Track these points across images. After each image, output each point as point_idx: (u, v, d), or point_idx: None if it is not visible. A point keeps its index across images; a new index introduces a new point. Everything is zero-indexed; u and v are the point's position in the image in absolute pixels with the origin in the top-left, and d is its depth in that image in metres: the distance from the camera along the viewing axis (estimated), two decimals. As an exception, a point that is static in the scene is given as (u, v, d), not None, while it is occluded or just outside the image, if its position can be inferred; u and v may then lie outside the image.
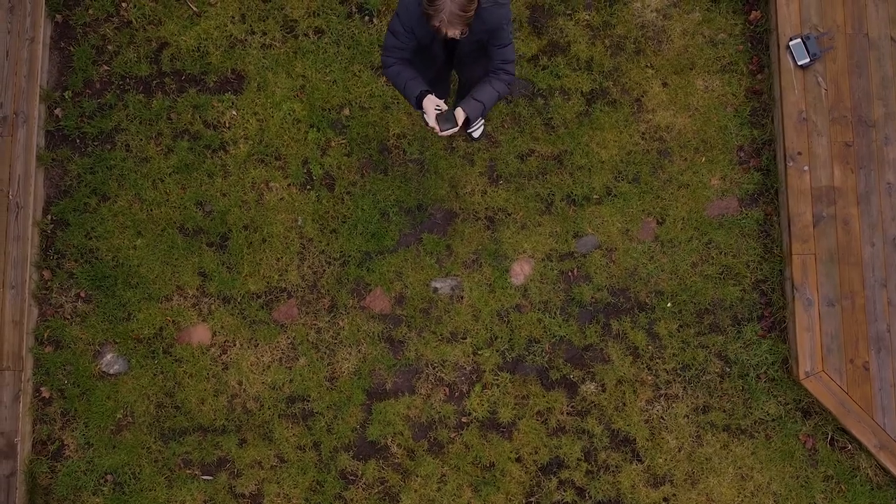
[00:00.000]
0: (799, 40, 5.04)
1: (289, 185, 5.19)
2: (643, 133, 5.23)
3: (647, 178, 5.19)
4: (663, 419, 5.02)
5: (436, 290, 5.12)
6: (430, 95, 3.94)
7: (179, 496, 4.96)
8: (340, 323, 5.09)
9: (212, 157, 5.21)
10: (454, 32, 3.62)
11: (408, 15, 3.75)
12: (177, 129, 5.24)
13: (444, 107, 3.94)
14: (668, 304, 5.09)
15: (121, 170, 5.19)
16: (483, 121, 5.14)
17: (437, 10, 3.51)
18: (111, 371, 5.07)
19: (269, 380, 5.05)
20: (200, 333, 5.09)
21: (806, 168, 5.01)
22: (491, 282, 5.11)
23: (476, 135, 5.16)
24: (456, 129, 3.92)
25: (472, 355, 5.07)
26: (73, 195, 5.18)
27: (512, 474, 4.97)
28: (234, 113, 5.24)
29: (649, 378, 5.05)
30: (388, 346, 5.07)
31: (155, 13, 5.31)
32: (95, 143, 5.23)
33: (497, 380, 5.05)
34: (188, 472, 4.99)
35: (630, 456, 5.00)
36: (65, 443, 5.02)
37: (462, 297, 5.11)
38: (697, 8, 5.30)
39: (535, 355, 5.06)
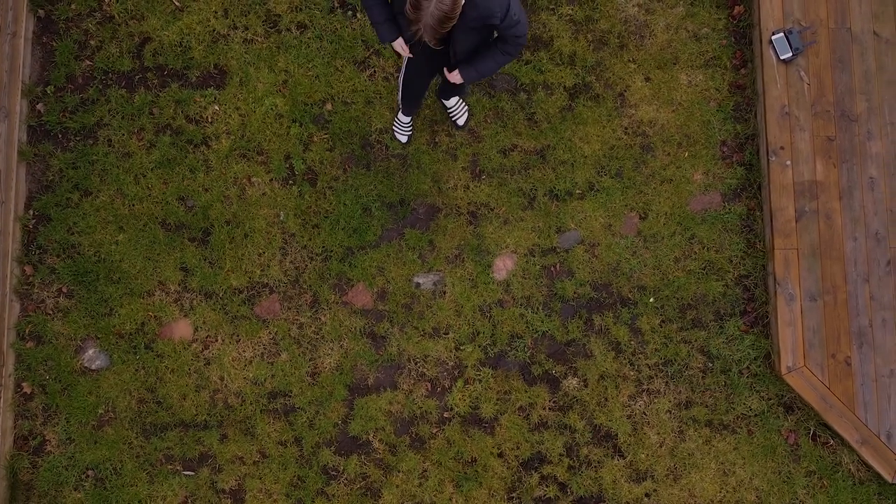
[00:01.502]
0: (781, 34, 5.03)
1: (271, 179, 5.18)
2: (626, 128, 5.22)
3: (629, 172, 5.18)
4: (645, 414, 5.01)
5: (418, 285, 5.11)
6: (397, 41, 4.06)
7: (161, 491, 4.96)
8: (322, 318, 5.08)
9: (194, 152, 5.20)
10: (428, 40, 3.62)
11: None
12: (159, 123, 5.23)
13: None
14: (651, 300, 5.08)
15: (103, 165, 5.18)
16: (467, 108, 5.13)
17: (417, 18, 3.50)
18: (93, 366, 5.06)
19: (251, 375, 5.04)
20: (182, 329, 5.08)
21: (788, 163, 5.00)
22: (473, 277, 5.11)
23: (460, 122, 5.15)
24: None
25: (454, 350, 5.06)
26: (55, 190, 5.17)
27: (494, 469, 4.96)
28: (216, 108, 5.23)
29: (631, 373, 5.04)
30: (370, 342, 5.07)
31: (137, 8, 5.30)
32: (77, 138, 5.22)
33: (479, 375, 5.04)
34: (169, 467, 4.98)
35: (612, 451, 4.99)
36: (46, 438, 5.01)
37: (444, 293, 5.10)
38: (681, 2, 5.29)
39: (517, 350, 5.05)
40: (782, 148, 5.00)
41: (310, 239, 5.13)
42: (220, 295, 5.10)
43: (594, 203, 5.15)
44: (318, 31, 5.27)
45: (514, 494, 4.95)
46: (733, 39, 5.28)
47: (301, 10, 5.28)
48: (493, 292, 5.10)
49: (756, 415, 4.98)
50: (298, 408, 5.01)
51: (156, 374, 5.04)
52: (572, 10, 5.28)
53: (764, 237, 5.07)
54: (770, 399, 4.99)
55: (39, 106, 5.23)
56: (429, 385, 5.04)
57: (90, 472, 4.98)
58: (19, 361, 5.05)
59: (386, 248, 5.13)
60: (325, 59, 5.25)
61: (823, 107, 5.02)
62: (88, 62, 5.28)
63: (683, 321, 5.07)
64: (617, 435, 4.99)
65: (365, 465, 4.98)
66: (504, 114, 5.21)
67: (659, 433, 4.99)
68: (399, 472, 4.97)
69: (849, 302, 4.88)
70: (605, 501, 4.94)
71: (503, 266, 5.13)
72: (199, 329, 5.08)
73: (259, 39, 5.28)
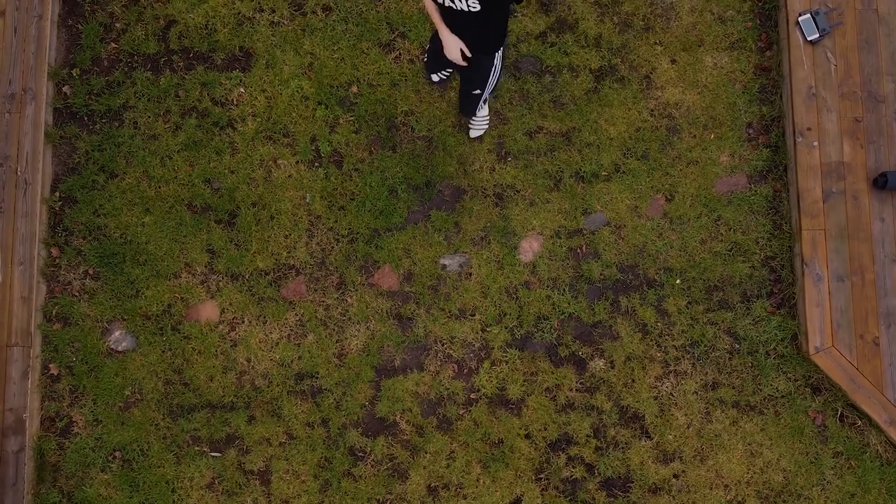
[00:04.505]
0: (808, 16, 5.03)
1: (297, 162, 5.18)
2: (652, 110, 5.22)
3: (655, 154, 5.18)
4: (672, 396, 5.01)
5: (444, 266, 5.11)
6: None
7: (188, 473, 4.95)
8: (349, 300, 5.08)
9: (220, 135, 5.20)
10: None
11: None
12: (185, 106, 5.23)
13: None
14: (677, 281, 5.08)
15: (129, 147, 5.19)
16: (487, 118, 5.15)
17: None
18: (119, 348, 5.06)
19: (278, 357, 5.04)
20: (209, 310, 5.09)
21: (815, 144, 5.00)
22: (499, 258, 5.11)
23: (472, 135, 5.17)
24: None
25: (480, 332, 5.06)
26: (81, 172, 5.18)
27: (521, 451, 4.96)
28: (242, 90, 5.23)
29: (658, 355, 5.03)
30: (396, 323, 5.07)
31: (163, -9, 5.31)
32: (103, 121, 5.22)
33: (506, 356, 5.04)
34: (197, 448, 4.98)
35: (639, 432, 4.98)
36: (73, 420, 5.01)
37: (470, 274, 5.10)
38: (706, -15, 5.29)
39: (543, 332, 5.05)
40: (809, 129, 5.00)
41: (336, 221, 5.13)
42: (247, 277, 5.10)
43: (620, 185, 5.15)
44: (344, 13, 5.28)
45: (541, 475, 4.95)
46: (759, 21, 5.28)
47: (326, -8, 5.29)
48: (519, 274, 5.10)
49: (783, 396, 4.98)
50: (325, 389, 5.01)
51: (182, 356, 5.04)
52: (598, -8, 5.28)
53: (790, 218, 5.07)
54: (797, 380, 4.99)
55: (65, 88, 5.24)
56: (455, 366, 5.04)
57: (117, 454, 4.98)
58: (46, 343, 5.05)
59: (412, 229, 5.13)
60: (350, 41, 5.26)
61: (850, 88, 5.02)
62: (114, 45, 5.29)
63: (710, 302, 5.07)
64: (644, 416, 4.99)
65: (392, 446, 4.98)
66: (530, 96, 5.21)
67: (686, 414, 4.99)
68: (426, 453, 4.97)
69: (876, 282, 4.88)
70: (632, 482, 4.94)
71: (529, 248, 5.13)
72: (226, 311, 5.08)
73: (285, 22, 5.29)
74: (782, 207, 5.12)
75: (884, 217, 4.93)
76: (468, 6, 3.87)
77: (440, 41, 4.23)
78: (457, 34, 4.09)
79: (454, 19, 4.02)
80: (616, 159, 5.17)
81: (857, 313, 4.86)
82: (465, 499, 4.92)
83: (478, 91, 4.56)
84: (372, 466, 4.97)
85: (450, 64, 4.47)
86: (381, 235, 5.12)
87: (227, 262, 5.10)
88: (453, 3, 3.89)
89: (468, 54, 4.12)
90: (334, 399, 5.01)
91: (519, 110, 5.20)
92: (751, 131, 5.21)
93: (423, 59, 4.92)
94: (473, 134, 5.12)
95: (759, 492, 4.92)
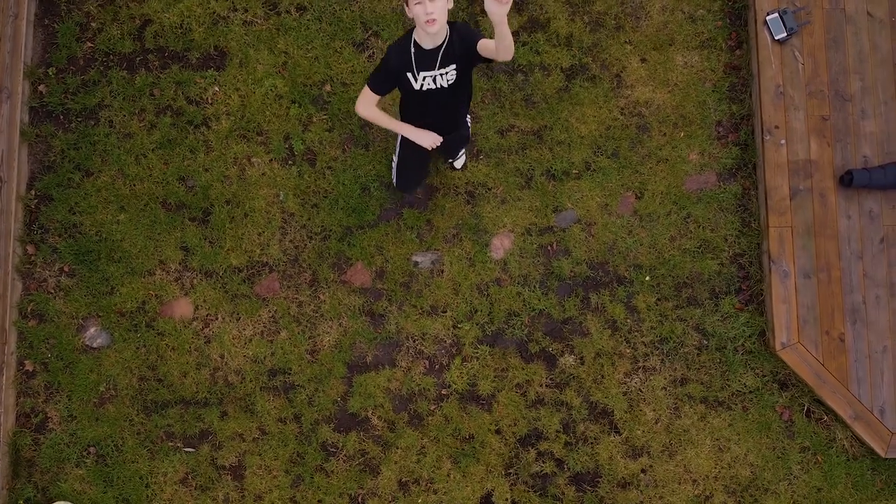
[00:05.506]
0: (776, 15, 5.08)
1: (271, 160, 5.23)
2: (622, 108, 5.26)
3: (626, 153, 5.22)
4: (641, 391, 5.06)
5: (416, 264, 5.16)
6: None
7: (162, 468, 5.01)
8: (321, 297, 5.13)
9: (194, 133, 5.25)
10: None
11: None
12: (160, 105, 5.28)
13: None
14: (647, 278, 5.13)
15: (104, 145, 5.23)
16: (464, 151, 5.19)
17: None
18: (94, 344, 5.11)
19: (251, 353, 5.09)
20: (183, 307, 5.13)
21: (783, 142, 5.04)
22: (471, 256, 5.15)
23: (458, 165, 5.20)
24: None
25: (452, 328, 5.11)
26: (56, 170, 5.22)
27: (491, 446, 5.01)
28: (216, 89, 5.28)
29: (627, 351, 5.08)
30: (368, 320, 5.12)
31: (138, -10, 5.35)
32: (79, 119, 5.27)
33: (477, 353, 5.09)
34: (170, 444, 5.03)
35: (608, 428, 5.03)
36: (48, 415, 5.06)
37: (442, 271, 5.15)
38: (676, -16, 5.34)
39: (514, 328, 5.10)
40: (777, 127, 5.04)
41: (309, 218, 5.18)
42: (221, 274, 5.15)
43: (591, 183, 5.20)
44: (318, 12, 5.32)
45: (511, 470, 5.00)
46: (728, 20, 5.33)
47: (300, -8, 5.34)
48: (490, 271, 5.14)
49: (751, 391, 5.03)
50: (298, 385, 5.06)
51: (157, 352, 5.09)
52: (569, -9, 5.33)
53: (759, 216, 5.12)
54: (765, 376, 5.04)
55: (41, 87, 5.28)
56: (427, 363, 5.09)
57: (92, 449, 5.03)
58: (21, 339, 5.10)
59: (384, 227, 5.17)
60: (324, 40, 5.30)
61: (818, 86, 5.06)
62: (90, 44, 5.33)
63: (679, 299, 5.12)
64: (613, 412, 5.04)
65: (364, 441, 5.03)
66: (501, 94, 5.26)
67: (655, 410, 5.04)
68: (397, 448, 5.02)
69: (843, 279, 4.93)
70: (601, 477, 4.99)
71: (500, 245, 5.18)
72: (200, 307, 5.13)
73: (259, 21, 5.33)
74: (751, 205, 5.17)
75: (850, 214, 4.97)
76: (446, 82, 3.89)
77: (411, 155, 4.38)
78: (435, 114, 4.10)
79: (432, 100, 3.99)
80: (587, 157, 5.22)
81: (823, 310, 4.91)
82: (436, 493, 4.97)
83: (464, 150, 4.71)
84: (344, 461, 5.02)
85: (427, 170, 4.59)
86: (354, 233, 5.17)
87: (201, 259, 5.15)
88: (433, 83, 3.90)
89: (440, 140, 4.15)
90: (307, 395, 5.06)
91: (490, 109, 5.25)
92: (720, 129, 5.26)
93: (394, 182, 4.91)
94: (458, 164, 5.16)
95: (726, 486, 4.97)
